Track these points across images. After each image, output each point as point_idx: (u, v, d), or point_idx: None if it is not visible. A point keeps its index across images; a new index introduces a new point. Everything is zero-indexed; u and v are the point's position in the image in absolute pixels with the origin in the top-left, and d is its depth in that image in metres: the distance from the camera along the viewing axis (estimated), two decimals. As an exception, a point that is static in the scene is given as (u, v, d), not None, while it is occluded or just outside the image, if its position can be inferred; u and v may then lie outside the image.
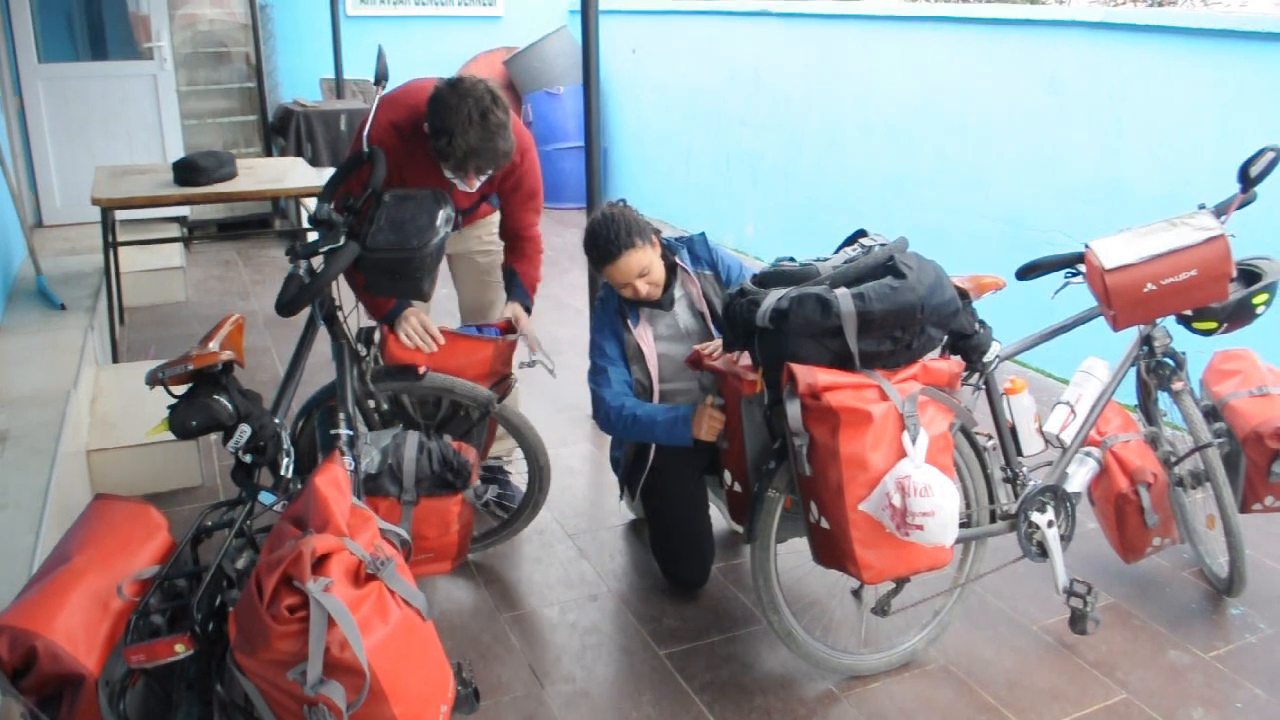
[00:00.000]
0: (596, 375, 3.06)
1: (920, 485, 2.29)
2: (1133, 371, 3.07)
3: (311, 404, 2.88)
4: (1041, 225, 4.83)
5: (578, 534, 3.48)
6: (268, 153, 7.36)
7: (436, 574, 2.94)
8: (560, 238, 7.46)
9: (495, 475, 3.53)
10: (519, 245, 3.28)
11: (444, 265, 3.44)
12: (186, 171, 4.80)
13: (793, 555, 2.82)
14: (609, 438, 4.20)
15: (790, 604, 2.67)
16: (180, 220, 6.91)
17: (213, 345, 2.14)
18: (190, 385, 2.19)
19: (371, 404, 2.81)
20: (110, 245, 4.77)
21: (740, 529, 3.09)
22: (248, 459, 2.18)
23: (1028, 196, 4.92)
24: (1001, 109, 5.03)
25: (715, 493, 3.29)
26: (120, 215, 6.13)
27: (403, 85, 3.08)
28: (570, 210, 8.18)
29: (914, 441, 2.35)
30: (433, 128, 2.79)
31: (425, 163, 2.94)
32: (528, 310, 3.23)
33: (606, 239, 2.91)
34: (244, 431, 2.12)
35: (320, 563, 1.80)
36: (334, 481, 1.90)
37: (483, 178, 2.90)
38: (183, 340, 5.23)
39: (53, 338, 4.19)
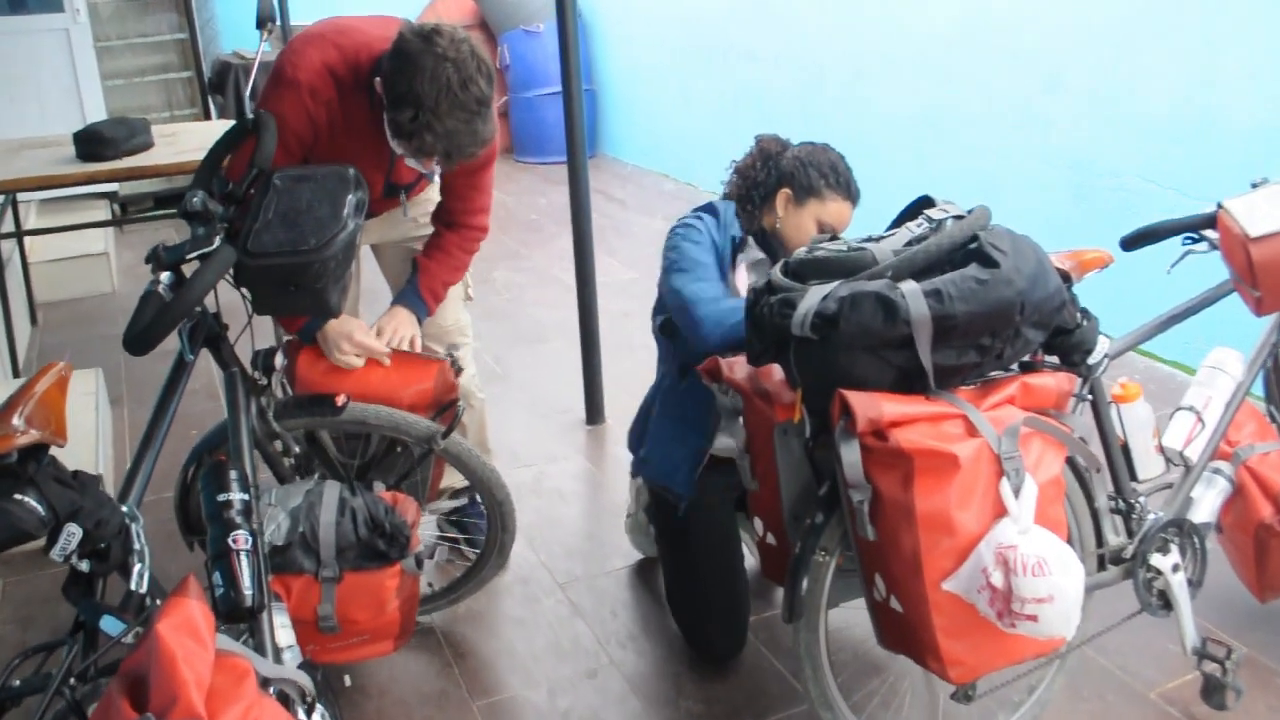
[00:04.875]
0: (683, 272, 2.44)
1: (1031, 560, 1.75)
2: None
3: (203, 448, 2.35)
4: (1115, 169, 4.26)
5: (570, 583, 2.95)
6: (206, 113, 6.78)
7: (378, 656, 2.41)
8: (545, 198, 6.91)
9: (460, 518, 2.99)
10: (445, 237, 2.70)
11: (367, 255, 2.89)
12: (90, 144, 4.20)
13: (845, 611, 2.30)
14: (608, 451, 3.71)
15: (844, 684, 2.15)
16: (110, 196, 6.35)
17: (15, 421, 1.56)
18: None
19: (279, 446, 2.27)
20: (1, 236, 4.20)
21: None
22: (84, 567, 1.64)
23: (1097, 135, 4.34)
24: (1063, 31, 4.43)
25: (745, 529, 2.76)
26: (38, 195, 5.60)
27: (326, 21, 2.49)
28: (555, 165, 7.59)
29: (1017, 494, 1.81)
30: (393, 93, 2.22)
31: (365, 126, 2.38)
32: (420, 320, 2.64)
33: (851, 178, 2.56)
34: (72, 534, 1.57)
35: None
36: (188, 626, 1.34)
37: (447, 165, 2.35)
38: (107, 342, 4.69)
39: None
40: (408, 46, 2.21)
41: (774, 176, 2.55)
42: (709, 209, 2.59)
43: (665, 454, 2.62)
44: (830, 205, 2.51)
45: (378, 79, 2.29)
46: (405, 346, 2.53)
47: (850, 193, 2.54)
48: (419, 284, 2.65)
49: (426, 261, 2.68)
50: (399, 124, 2.23)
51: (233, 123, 2.28)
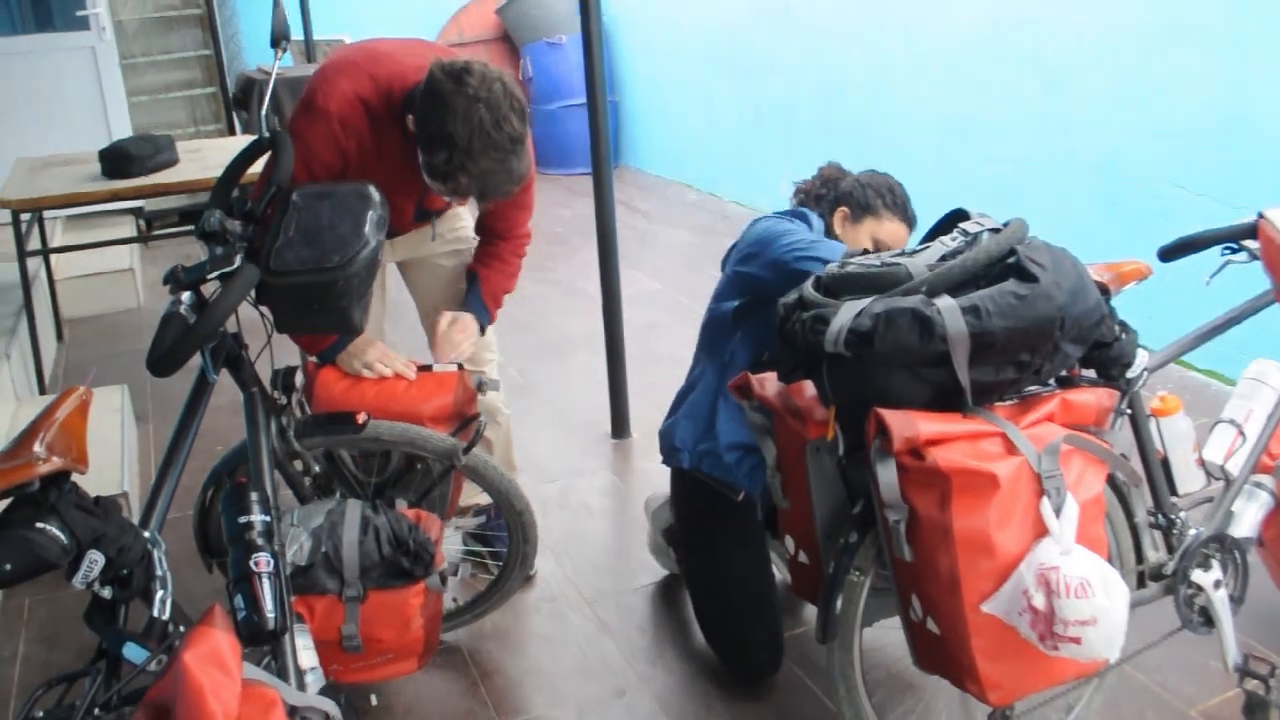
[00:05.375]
0: (788, 232, 2.39)
1: (1074, 581, 1.69)
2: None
3: (222, 469, 2.32)
4: (1143, 175, 4.19)
5: (598, 600, 2.91)
6: (231, 129, 6.78)
7: (402, 675, 2.37)
8: (569, 209, 6.86)
9: (483, 531, 2.95)
10: (496, 245, 2.70)
11: (393, 270, 2.87)
12: (116, 161, 4.22)
13: (879, 630, 2.25)
14: (634, 465, 3.67)
15: (878, 704, 2.10)
16: (136, 212, 6.35)
17: (37, 449, 1.54)
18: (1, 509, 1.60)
19: (299, 465, 2.24)
20: (26, 253, 4.17)
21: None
22: (107, 594, 1.61)
23: (1124, 140, 4.26)
24: (1088, 35, 4.36)
25: (773, 547, 2.70)
26: (64, 212, 5.60)
27: (358, 47, 2.48)
28: (579, 176, 7.55)
29: (1058, 514, 1.76)
30: (426, 134, 2.20)
31: (397, 155, 2.35)
32: (482, 328, 2.66)
33: (908, 202, 2.60)
34: (94, 561, 1.54)
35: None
36: (214, 657, 1.31)
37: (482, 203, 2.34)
38: (132, 357, 4.67)
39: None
40: (439, 87, 2.17)
41: (833, 195, 2.58)
42: (798, 214, 2.54)
43: (730, 446, 2.55)
44: (886, 224, 2.53)
45: (410, 116, 2.26)
46: (462, 358, 2.53)
47: (907, 215, 2.56)
48: (482, 293, 2.66)
49: (486, 271, 2.68)
50: (433, 165, 2.21)
51: (249, 137, 2.26)
